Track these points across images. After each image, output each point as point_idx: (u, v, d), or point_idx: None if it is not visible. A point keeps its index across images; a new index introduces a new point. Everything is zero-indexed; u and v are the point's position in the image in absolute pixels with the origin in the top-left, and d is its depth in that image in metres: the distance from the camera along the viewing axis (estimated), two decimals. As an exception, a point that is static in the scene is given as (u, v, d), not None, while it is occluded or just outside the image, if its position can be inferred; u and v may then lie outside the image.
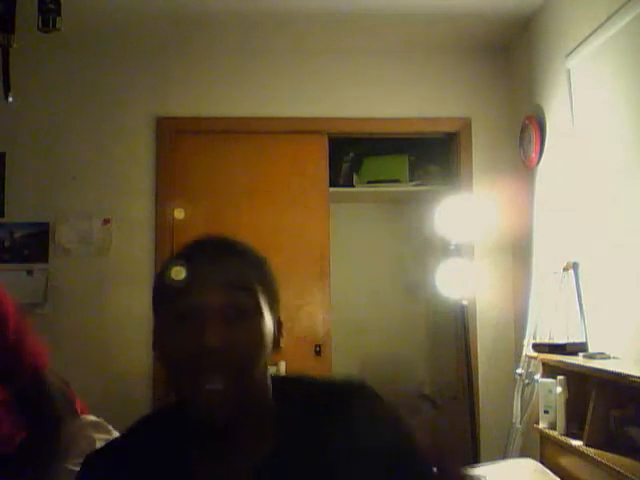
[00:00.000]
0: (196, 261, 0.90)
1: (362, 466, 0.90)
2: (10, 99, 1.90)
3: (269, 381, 0.95)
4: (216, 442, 0.91)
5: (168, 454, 0.92)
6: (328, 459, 0.90)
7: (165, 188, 3.46)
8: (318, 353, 3.41)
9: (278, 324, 0.96)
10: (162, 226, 3.43)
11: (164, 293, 0.91)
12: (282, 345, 0.95)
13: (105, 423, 1.90)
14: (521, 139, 3.23)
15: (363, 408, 0.96)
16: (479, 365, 3.38)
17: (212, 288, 0.87)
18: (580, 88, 2.66)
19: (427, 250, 3.98)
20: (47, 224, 3.38)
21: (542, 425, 2.43)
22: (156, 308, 0.93)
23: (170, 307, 0.88)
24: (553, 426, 2.37)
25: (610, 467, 1.92)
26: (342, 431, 0.92)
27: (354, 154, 3.90)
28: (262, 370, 0.91)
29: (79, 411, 1.85)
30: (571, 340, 2.56)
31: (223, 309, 0.86)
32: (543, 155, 3.04)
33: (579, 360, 2.30)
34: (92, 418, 1.90)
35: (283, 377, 1.02)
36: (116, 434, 1.78)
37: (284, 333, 0.97)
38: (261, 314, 0.89)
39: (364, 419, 0.94)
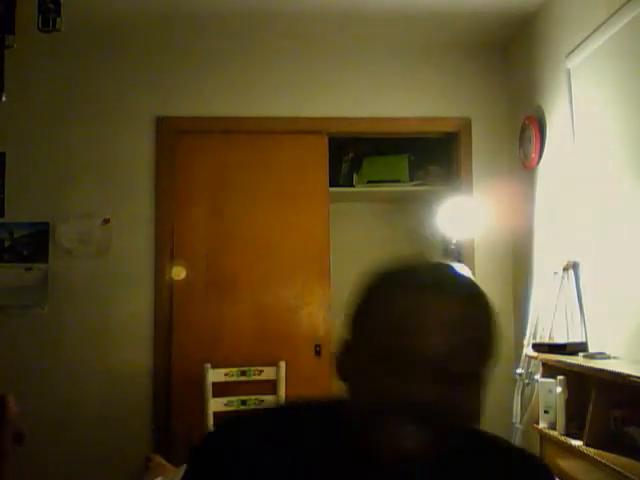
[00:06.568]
0: (418, 296, 0.76)
1: None
2: (3, 98, 1.90)
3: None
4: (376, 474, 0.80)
5: (313, 464, 0.81)
6: None
7: (165, 188, 3.46)
8: (318, 353, 3.40)
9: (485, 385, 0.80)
10: (162, 226, 3.43)
11: (372, 324, 0.78)
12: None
13: None
14: (521, 139, 3.23)
15: None
16: (479, 365, 3.37)
17: (437, 338, 0.74)
18: (580, 88, 2.66)
19: (427, 250, 3.98)
20: (47, 224, 3.38)
21: (542, 425, 2.43)
22: (357, 337, 0.80)
23: (379, 343, 0.76)
24: (553, 426, 2.37)
25: (610, 467, 1.92)
26: None
27: (354, 154, 3.90)
28: (465, 436, 0.79)
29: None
30: (571, 340, 2.56)
31: (443, 364, 0.74)
32: (543, 155, 3.04)
33: (579, 360, 2.30)
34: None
35: None
36: None
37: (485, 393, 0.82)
38: (482, 378, 0.78)
39: None
